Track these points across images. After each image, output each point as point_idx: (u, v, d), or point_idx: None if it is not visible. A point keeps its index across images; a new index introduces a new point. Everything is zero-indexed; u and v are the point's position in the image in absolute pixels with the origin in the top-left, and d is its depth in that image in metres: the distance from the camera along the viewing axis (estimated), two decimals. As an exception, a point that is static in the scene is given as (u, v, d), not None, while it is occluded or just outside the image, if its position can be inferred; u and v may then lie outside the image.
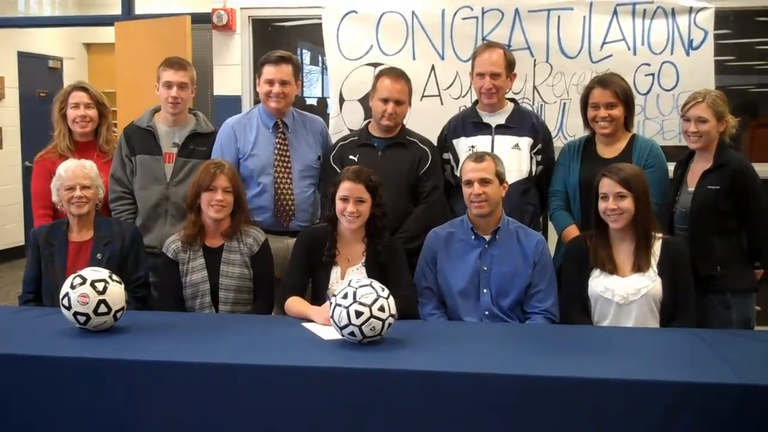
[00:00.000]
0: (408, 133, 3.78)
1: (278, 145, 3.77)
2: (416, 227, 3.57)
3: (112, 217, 3.74)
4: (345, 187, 3.20)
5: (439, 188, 3.72)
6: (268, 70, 3.74)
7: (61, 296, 2.79)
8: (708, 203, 3.37)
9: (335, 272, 3.26)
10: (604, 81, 3.62)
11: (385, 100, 3.66)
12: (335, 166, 3.67)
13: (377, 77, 3.78)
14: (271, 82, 3.73)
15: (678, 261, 3.14)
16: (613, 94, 3.55)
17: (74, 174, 3.42)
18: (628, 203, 3.09)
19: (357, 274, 3.22)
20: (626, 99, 3.59)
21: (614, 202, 3.10)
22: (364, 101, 4.82)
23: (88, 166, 3.50)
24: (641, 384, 2.35)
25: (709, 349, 2.67)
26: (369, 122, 3.82)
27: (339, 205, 3.21)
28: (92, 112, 3.93)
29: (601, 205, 3.14)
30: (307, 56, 6.28)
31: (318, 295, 3.25)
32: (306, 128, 3.89)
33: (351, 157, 3.67)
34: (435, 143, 3.84)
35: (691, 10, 4.82)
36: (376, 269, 3.21)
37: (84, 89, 3.95)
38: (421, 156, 3.69)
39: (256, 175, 3.74)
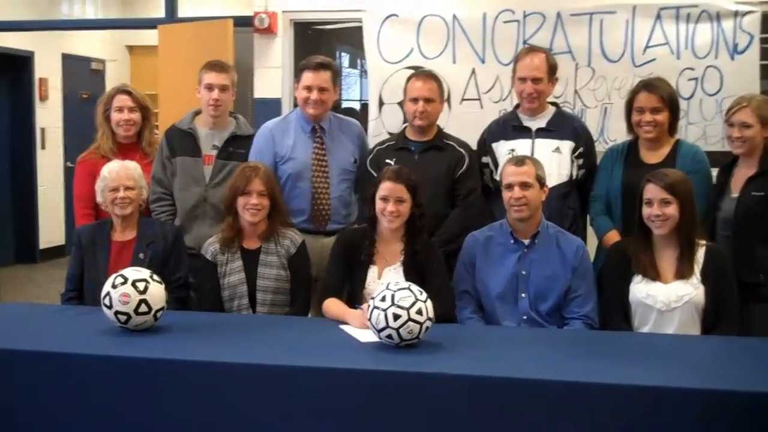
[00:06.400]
0: (445, 136, 3.77)
1: (316, 150, 3.78)
2: (453, 230, 3.56)
3: (155, 218, 3.77)
4: (385, 187, 3.20)
5: (476, 191, 3.71)
6: (307, 76, 3.74)
7: (102, 295, 2.81)
8: (752, 210, 3.32)
9: (372, 272, 3.26)
10: (650, 85, 3.56)
11: (415, 100, 3.65)
12: (372, 170, 3.67)
13: (407, 80, 3.78)
14: (309, 89, 3.73)
15: (722, 269, 3.09)
16: (659, 99, 3.50)
17: (118, 175, 3.45)
18: (673, 209, 3.05)
19: (394, 273, 3.22)
20: (672, 104, 3.54)
21: (659, 208, 3.06)
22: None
23: (132, 167, 3.53)
24: (677, 391, 2.31)
25: (749, 358, 2.63)
26: (406, 126, 3.82)
27: (379, 204, 3.21)
28: (136, 116, 3.95)
29: (646, 210, 3.10)
30: (346, 59, 6.29)
31: (355, 294, 3.26)
32: (343, 132, 3.89)
33: (388, 160, 3.66)
34: (474, 147, 3.83)
35: (736, 13, 4.75)
36: (413, 269, 3.21)
37: (128, 92, 3.97)
38: (458, 159, 3.68)
39: (293, 179, 3.75)
